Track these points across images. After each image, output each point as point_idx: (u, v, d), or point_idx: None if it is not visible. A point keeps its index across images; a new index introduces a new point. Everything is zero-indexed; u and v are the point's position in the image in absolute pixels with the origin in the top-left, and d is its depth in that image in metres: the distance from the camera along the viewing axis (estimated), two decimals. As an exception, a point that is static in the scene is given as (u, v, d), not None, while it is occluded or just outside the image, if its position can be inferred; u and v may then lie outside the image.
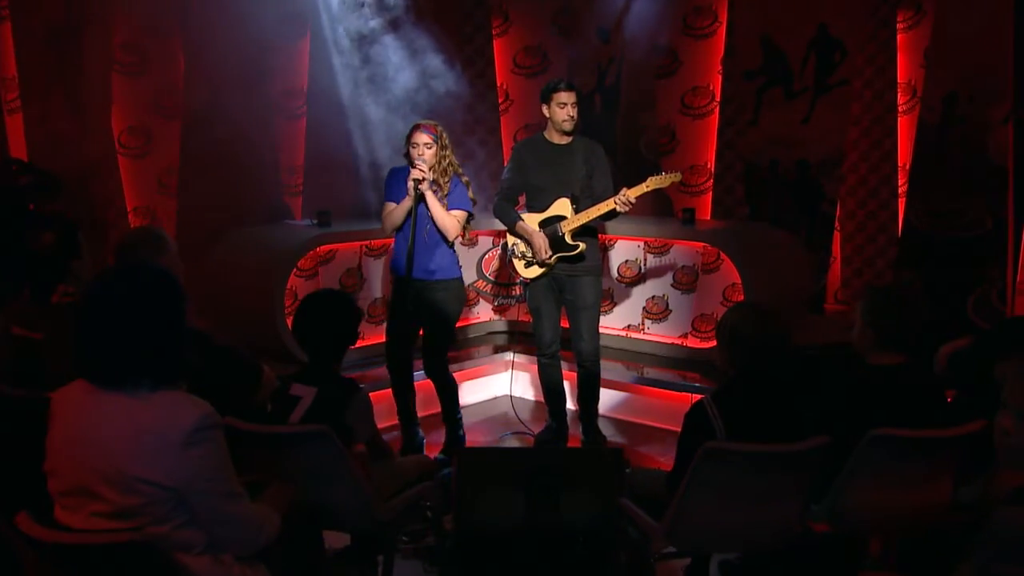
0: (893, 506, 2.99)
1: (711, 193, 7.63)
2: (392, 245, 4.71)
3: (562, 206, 4.66)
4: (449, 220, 4.47)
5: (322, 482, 2.97)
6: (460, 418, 4.79)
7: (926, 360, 3.35)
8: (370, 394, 5.07)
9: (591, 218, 4.59)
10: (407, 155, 4.47)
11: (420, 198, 4.34)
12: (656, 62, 7.48)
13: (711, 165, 7.62)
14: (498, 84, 7.81)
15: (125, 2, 6.79)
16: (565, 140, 4.70)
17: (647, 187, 4.47)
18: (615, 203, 4.48)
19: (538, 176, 4.73)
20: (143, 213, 7.17)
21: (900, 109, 7.27)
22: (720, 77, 7.56)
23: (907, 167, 7.14)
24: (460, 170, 4.53)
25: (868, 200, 7.54)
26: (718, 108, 7.58)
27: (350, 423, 3.04)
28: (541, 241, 4.64)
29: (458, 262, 4.63)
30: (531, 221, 4.73)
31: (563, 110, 4.60)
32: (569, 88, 4.63)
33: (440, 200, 4.43)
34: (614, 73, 7.55)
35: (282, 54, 7.42)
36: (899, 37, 7.21)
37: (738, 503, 2.85)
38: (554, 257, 4.67)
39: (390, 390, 4.71)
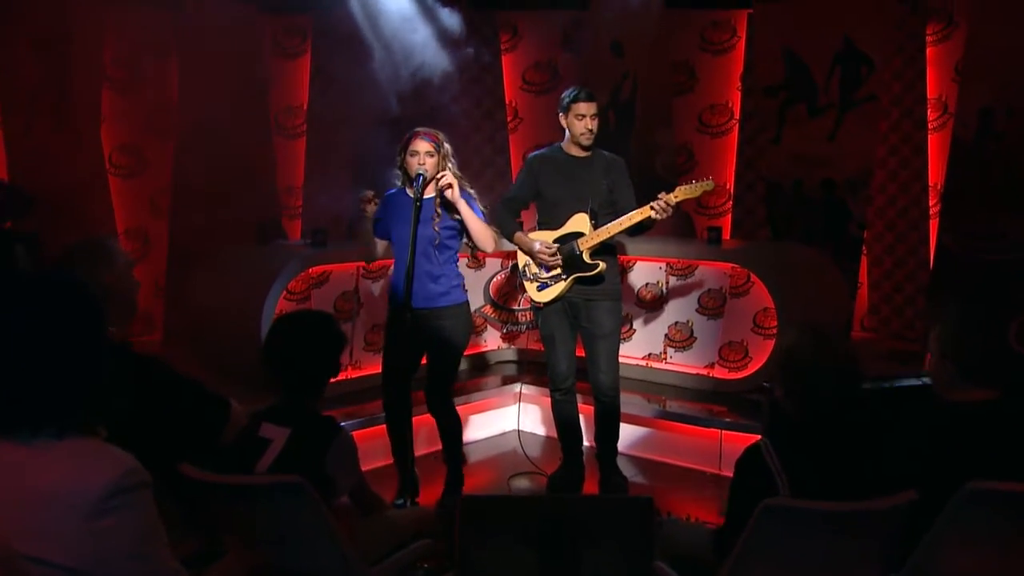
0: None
1: (730, 215, 7.16)
2: (392, 268, 4.12)
3: (580, 222, 4.12)
4: (486, 230, 3.92)
5: (295, 544, 2.39)
6: (463, 461, 4.21)
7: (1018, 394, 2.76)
8: (367, 431, 4.59)
9: (617, 231, 4.05)
10: (403, 167, 3.92)
11: (419, 208, 3.77)
12: (672, 78, 7.02)
13: (730, 186, 7.19)
14: (507, 102, 7.33)
15: (117, 14, 6.41)
16: (584, 153, 4.19)
17: (675, 197, 3.91)
18: (652, 209, 3.93)
19: (553, 190, 4.19)
20: (134, 235, 6.83)
21: (930, 126, 6.78)
22: (739, 94, 7.12)
23: (938, 187, 6.70)
24: (464, 182, 3.96)
25: (897, 221, 7.04)
26: (737, 126, 7.14)
27: (330, 471, 2.45)
28: (539, 245, 4.14)
29: (464, 284, 4.06)
30: (544, 239, 4.19)
31: (581, 122, 4.09)
32: (589, 99, 4.10)
33: (439, 216, 3.90)
34: (628, 89, 7.06)
35: (281, 71, 7.05)
36: (928, 51, 6.73)
37: (804, 572, 2.26)
38: (570, 278, 4.12)
39: (385, 426, 4.13)
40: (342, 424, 2.57)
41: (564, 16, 7.19)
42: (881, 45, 6.66)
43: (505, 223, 4.25)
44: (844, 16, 6.68)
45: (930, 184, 6.81)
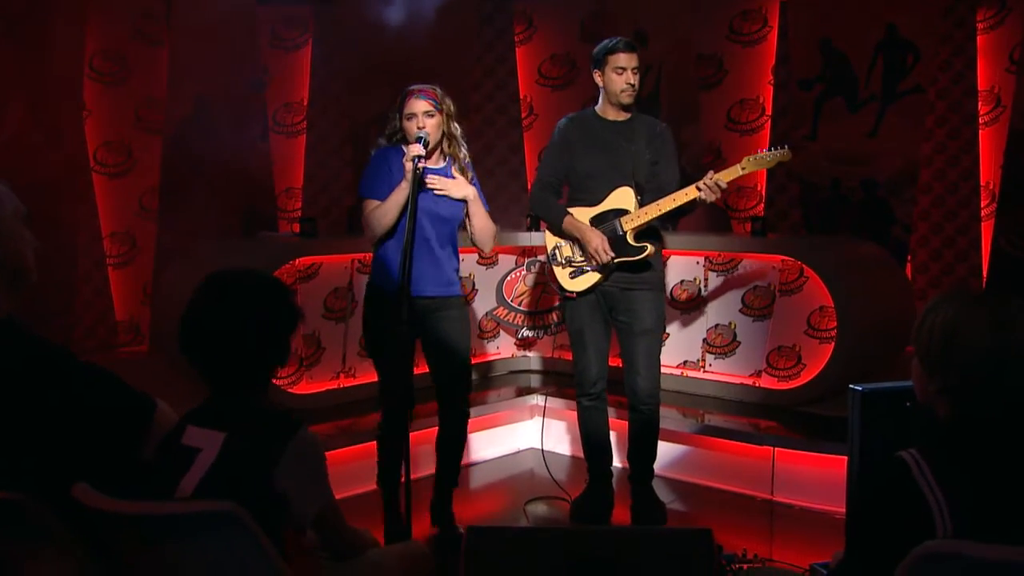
0: None
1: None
2: (381, 254, 3.26)
3: (623, 197, 3.39)
4: (491, 225, 3.27)
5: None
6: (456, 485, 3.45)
7: None
8: (361, 447, 3.71)
9: (663, 211, 3.34)
10: (398, 132, 3.19)
11: (420, 181, 3.05)
12: (699, 71, 6.33)
13: (761, 187, 6.43)
14: (521, 96, 6.64)
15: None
16: (623, 116, 3.48)
17: (742, 169, 3.29)
18: (698, 189, 3.26)
19: (588, 160, 3.46)
20: (121, 239, 6.22)
21: (981, 120, 6.04)
22: (771, 88, 6.40)
23: (990, 186, 5.97)
24: (466, 149, 3.30)
25: (944, 224, 6.26)
26: (769, 122, 6.42)
27: (283, 491, 1.66)
28: (598, 241, 3.37)
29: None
30: (581, 217, 3.44)
31: (621, 76, 3.38)
32: (629, 48, 3.40)
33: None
34: (652, 82, 6.34)
35: (280, 64, 6.40)
36: (979, 38, 6.01)
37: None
38: (615, 260, 3.38)
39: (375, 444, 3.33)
40: (307, 426, 1.77)
41: (583, 6, 6.51)
42: (927, 32, 5.97)
43: (552, 210, 3.50)
44: (886, 1, 6.00)
45: (981, 183, 6.08)
